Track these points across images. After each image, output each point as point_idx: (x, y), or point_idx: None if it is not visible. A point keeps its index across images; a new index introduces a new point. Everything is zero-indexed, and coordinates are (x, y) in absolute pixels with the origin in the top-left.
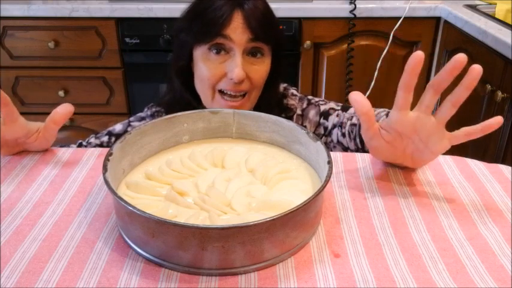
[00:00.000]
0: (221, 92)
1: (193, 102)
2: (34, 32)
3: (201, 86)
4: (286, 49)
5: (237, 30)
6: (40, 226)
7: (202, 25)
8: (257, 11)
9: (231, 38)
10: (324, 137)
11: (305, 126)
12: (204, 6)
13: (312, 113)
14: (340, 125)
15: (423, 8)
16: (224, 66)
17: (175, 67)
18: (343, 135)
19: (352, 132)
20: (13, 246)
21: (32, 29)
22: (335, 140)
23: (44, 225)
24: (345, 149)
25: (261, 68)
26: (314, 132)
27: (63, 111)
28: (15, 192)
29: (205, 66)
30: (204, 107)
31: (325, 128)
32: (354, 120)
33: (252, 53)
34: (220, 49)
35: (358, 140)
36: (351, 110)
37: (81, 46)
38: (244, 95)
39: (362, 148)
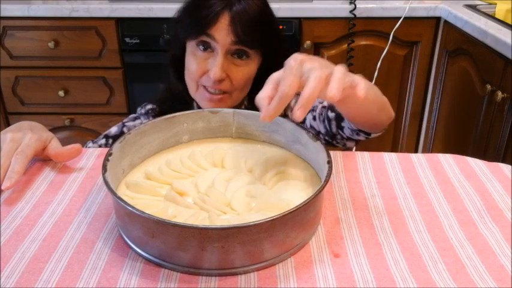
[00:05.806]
0: (203, 85)
1: (185, 93)
2: (34, 32)
3: (187, 77)
4: (285, 52)
5: (222, 32)
6: (40, 226)
7: (191, 21)
8: (246, 15)
9: (215, 38)
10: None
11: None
12: (198, 2)
13: None
14: (313, 109)
15: (423, 8)
16: (207, 64)
17: (170, 55)
18: (314, 118)
19: (321, 114)
20: (13, 246)
21: (32, 29)
22: (308, 125)
23: (43, 225)
24: (317, 133)
25: (244, 70)
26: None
27: (69, 154)
28: (15, 192)
29: (192, 60)
30: (193, 100)
31: None
32: (325, 103)
33: (237, 53)
34: (206, 46)
35: (326, 122)
36: None
37: (81, 46)
38: (224, 92)
39: (331, 130)
